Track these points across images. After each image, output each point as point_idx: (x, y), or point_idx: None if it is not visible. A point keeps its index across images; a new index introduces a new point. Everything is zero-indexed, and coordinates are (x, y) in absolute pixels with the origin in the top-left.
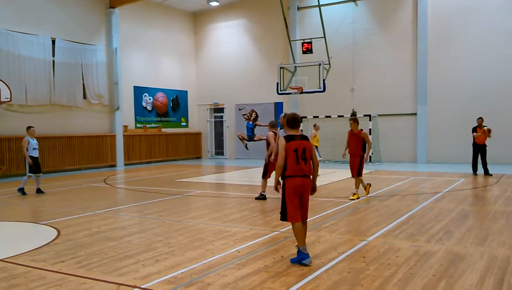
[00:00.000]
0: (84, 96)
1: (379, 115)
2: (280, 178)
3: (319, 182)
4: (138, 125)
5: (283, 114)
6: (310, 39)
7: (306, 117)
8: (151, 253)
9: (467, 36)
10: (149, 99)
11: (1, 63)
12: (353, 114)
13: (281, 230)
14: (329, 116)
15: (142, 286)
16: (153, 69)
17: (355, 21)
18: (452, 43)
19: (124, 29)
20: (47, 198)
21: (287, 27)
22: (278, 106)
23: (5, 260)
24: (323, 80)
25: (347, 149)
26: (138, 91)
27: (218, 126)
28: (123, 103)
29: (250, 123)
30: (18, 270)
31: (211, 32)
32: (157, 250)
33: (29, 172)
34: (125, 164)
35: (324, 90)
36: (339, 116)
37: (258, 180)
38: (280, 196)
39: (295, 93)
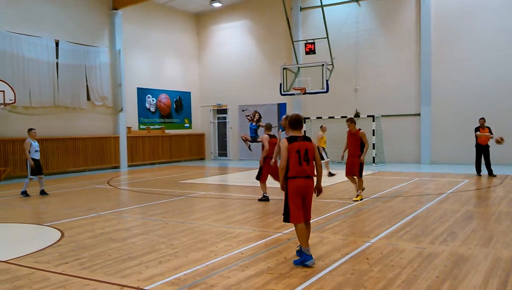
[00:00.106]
0: (88, 98)
1: (382, 115)
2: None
3: (323, 183)
4: (141, 126)
5: (284, 116)
6: (313, 39)
7: (309, 118)
8: (154, 255)
9: (470, 36)
10: (153, 100)
11: (5, 65)
12: (356, 114)
13: (284, 232)
14: (333, 117)
15: (146, 288)
16: (156, 70)
17: (358, 22)
18: (456, 43)
19: (127, 31)
20: (50, 200)
21: (290, 28)
22: (281, 107)
23: (9, 261)
24: (326, 80)
25: (346, 150)
26: (142, 93)
27: (222, 127)
28: (127, 105)
29: (254, 124)
30: (22, 272)
31: (214, 33)
32: (161, 252)
33: (31, 175)
34: (129, 166)
35: (327, 91)
36: (342, 116)
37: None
38: (283, 197)
39: (298, 94)
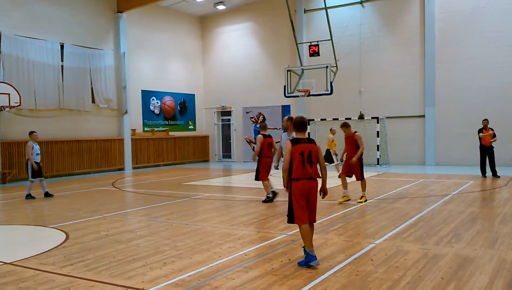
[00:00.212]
0: (93, 100)
1: (387, 117)
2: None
3: (328, 184)
4: (146, 128)
5: (286, 117)
6: (317, 41)
7: (313, 119)
8: (158, 256)
9: (475, 38)
10: (157, 102)
11: (10, 68)
12: (361, 116)
13: (289, 233)
14: (337, 119)
15: (150, 289)
16: (160, 73)
17: (362, 23)
18: (460, 45)
19: (132, 34)
20: (55, 202)
21: (294, 30)
22: (286, 109)
23: (14, 263)
24: (331, 82)
25: (345, 153)
26: (146, 95)
27: (226, 129)
28: (131, 107)
29: (258, 126)
30: (27, 274)
31: (218, 36)
32: (165, 253)
33: (32, 177)
34: (133, 168)
35: (331, 93)
36: (346, 118)
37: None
38: (287, 199)
39: (302, 96)
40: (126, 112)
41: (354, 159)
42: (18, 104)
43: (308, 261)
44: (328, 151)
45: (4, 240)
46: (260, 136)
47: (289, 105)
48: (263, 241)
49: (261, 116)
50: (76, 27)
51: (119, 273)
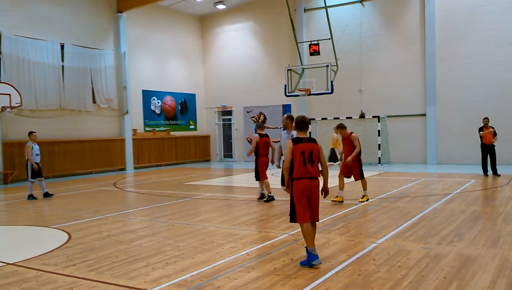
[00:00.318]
0: (94, 101)
1: (388, 116)
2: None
3: (330, 184)
4: (147, 128)
5: (285, 115)
6: (317, 40)
7: (314, 119)
8: (161, 256)
9: (475, 36)
10: (158, 102)
11: (11, 68)
12: (362, 115)
13: (291, 233)
14: (338, 118)
15: (152, 289)
16: (161, 72)
17: (362, 22)
18: (460, 43)
19: (132, 33)
20: (57, 202)
21: (294, 29)
22: (286, 108)
23: (16, 264)
24: (331, 81)
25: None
26: (147, 95)
27: (227, 129)
28: (132, 107)
29: None
30: (30, 274)
31: (218, 35)
32: (167, 254)
33: (32, 178)
34: (135, 168)
35: (332, 92)
36: (347, 117)
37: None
38: (289, 199)
39: (303, 95)
40: (127, 112)
41: (349, 159)
42: (19, 104)
43: (310, 261)
44: (333, 150)
45: (6, 241)
46: (256, 135)
47: (289, 105)
48: (265, 241)
49: (262, 115)
50: (76, 27)
51: (121, 273)
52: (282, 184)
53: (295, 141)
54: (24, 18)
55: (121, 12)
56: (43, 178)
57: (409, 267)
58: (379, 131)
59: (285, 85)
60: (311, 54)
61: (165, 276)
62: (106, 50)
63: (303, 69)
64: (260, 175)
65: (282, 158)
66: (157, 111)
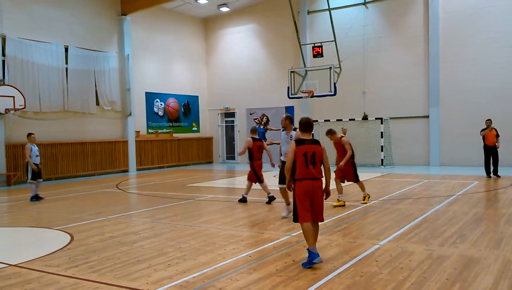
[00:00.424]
0: (97, 103)
1: (391, 118)
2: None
3: (332, 185)
4: (150, 130)
5: (284, 116)
6: (321, 42)
7: (317, 121)
8: (163, 258)
9: (478, 38)
10: (161, 104)
11: (15, 71)
12: (364, 117)
13: (293, 234)
14: (340, 120)
15: None
16: (164, 74)
17: (365, 24)
18: (464, 45)
19: (136, 36)
20: (60, 204)
21: (297, 31)
22: (289, 110)
23: (19, 265)
24: (334, 83)
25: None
26: (150, 97)
27: (229, 130)
28: (135, 109)
29: (261, 127)
30: (32, 275)
31: (222, 38)
32: (169, 255)
33: (31, 179)
34: (137, 169)
35: (335, 94)
36: (350, 119)
37: (270, 184)
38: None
39: (306, 97)
40: (130, 114)
41: (341, 163)
42: (23, 106)
43: (311, 259)
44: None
45: (9, 242)
46: (249, 138)
47: (292, 106)
48: (267, 243)
49: (264, 117)
50: (80, 29)
51: (123, 274)
52: (280, 182)
53: (298, 142)
54: (28, 20)
55: (125, 15)
56: (41, 179)
57: (411, 268)
58: (382, 132)
59: (288, 87)
60: (314, 56)
61: (167, 277)
62: (110, 53)
63: (306, 71)
64: (261, 178)
65: (282, 158)
66: (160, 113)
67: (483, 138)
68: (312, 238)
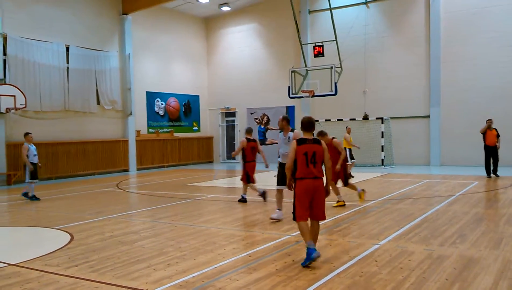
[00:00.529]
0: (98, 102)
1: (391, 117)
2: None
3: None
4: (150, 130)
5: (281, 117)
6: (322, 42)
7: (317, 120)
8: (163, 258)
9: (480, 38)
10: (161, 104)
11: (16, 70)
12: (365, 117)
13: (292, 234)
14: (341, 119)
15: None
16: (165, 74)
17: (367, 24)
18: (465, 45)
19: (137, 35)
20: (60, 203)
21: (298, 31)
22: (290, 110)
23: (18, 264)
24: (335, 83)
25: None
26: (151, 96)
27: (230, 130)
28: (136, 109)
29: (262, 127)
30: (32, 275)
31: (223, 37)
32: (169, 255)
33: (30, 179)
34: (138, 169)
35: (336, 94)
36: (351, 119)
37: (270, 184)
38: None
39: (306, 96)
40: (130, 114)
41: (337, 166)
42: (24, 106)
43: (309, 255)
44: (349, 150)
45: (8, 242)
46: (243, 139)
47: (293, 106)
48: (267, 242)
49: (265, 117)
50: (81, 29)
51: (123, 274)
52: (278, 184)
53: (299, 141)
54: (29, 20)
55: (126, 14)
56: (37, 180)
57: (411, 268)
58: (382, 132)
59: (289, 87)
60: (315, 55)
61: (167, 277)
62: (111, 52)
63: (307, 70)
64: (251, 179)
65: (279, 159)
66: (161, 113)
67: (484, 138)
68: (309, 233)
